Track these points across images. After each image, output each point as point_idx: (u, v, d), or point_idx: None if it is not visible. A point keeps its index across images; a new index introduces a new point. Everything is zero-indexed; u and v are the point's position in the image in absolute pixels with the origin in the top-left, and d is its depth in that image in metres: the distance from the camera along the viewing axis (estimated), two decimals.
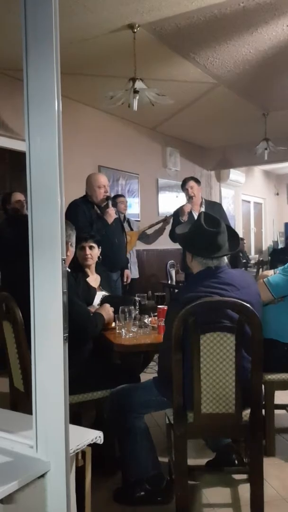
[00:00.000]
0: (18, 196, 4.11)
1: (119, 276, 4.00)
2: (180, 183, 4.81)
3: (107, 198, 3.74)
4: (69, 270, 2.70)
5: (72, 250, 2.67)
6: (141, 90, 3.81)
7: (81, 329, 2.40)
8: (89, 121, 5.90)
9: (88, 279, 3.03)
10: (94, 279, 3.14)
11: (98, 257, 3.17)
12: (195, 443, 2.59)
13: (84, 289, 2.87)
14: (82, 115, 5.79)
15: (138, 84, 3.80)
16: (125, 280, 4.60)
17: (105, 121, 6.17)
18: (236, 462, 2.35)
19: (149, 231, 5.25)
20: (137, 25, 3.80)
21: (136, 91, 3.79)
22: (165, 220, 4.99)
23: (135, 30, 3.82)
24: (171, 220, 4.72)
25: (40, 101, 1.20)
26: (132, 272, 5.36)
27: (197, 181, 4.64)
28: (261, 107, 6.21)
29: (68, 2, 3.37)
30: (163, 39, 4.09)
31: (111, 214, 3.70)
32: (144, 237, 5.27)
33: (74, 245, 2.71)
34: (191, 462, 2.10)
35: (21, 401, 2.34)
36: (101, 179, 3.74)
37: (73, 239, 2.67)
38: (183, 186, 4.62)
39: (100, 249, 3.16)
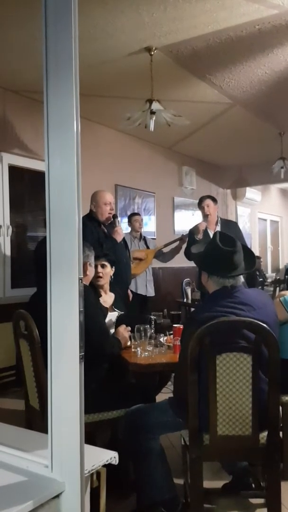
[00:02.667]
0: None
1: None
2: (196, 201, 4.83)
3: (114, 216, 3.75)
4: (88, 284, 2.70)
5: (91, 269, 2.69)
6: (157, 111, 3.85)
7: (98, 346, 2.39)
8: (106, 141, 5.99)
9: (100, 299, 2.97)
10: (107, 299, 3.08)
11: (110, 276, 3.10)
12: (211, 465, 2.53)
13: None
14: (100, 135, 5.88)
15: (155, 106, 3.85)
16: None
17: (122, 141, 6.25)
18: (253, 485, 2.30)
19: (165, 249, 5.26)
20: (154, 48, 3.87)
21: (153, 112, 3.84)
22: (181, 239, 4.99)
23: (152, 53, 3.89)
24: (187, 239, 4.73)
25: (59, 122, 1.23)
26: (148, 290, 5.36)
27: (214, 200, 4.65)
28: (277, 126, 6.23)
29: (88, 27, 3.46)
30: (180, 61, 4.16)
31: (120, 233, 3.70)
32: (160, 255, 5.27)
33: (93, 265, 2.73)
34: (207, 484, 2.06)
35: (36, 419, 2.33)
36: (107, 196, 3.76)
37: (92, 259, 2.69)
38: (200, 205, 4.65)
39: (113, 269, 3.10)
